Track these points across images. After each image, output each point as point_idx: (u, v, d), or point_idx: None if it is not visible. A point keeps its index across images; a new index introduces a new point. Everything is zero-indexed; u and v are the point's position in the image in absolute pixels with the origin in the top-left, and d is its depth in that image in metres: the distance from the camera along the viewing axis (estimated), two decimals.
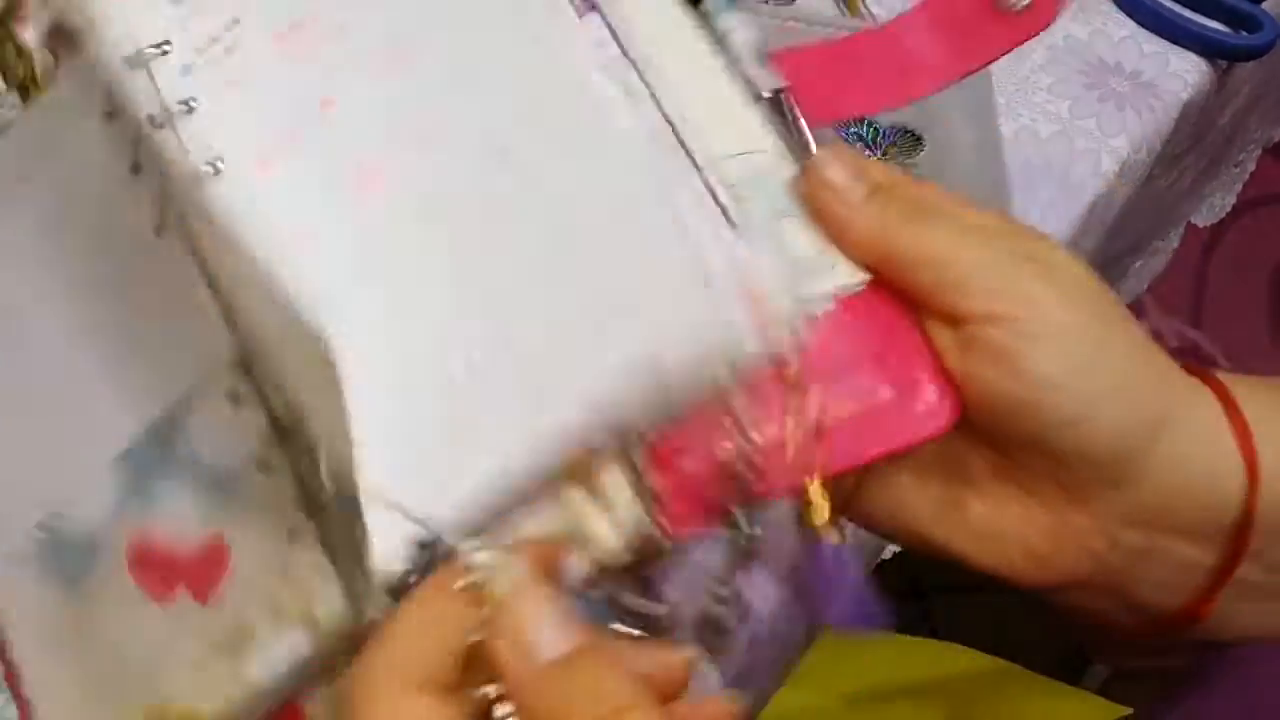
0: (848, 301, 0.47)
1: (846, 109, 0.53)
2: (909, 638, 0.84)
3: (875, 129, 0.78)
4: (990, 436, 0.48)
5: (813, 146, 0.50)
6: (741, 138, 0.49)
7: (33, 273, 0.50)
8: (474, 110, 0.45)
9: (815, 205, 0.48)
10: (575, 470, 0.41)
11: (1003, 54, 0.56)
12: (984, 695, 0.78)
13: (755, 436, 0.43)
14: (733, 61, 0.51)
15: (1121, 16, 0.90)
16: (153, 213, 0.47)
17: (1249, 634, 0.51)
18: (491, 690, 0.37)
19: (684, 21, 0.51)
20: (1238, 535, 0.48)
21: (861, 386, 0.45)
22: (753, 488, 0.43)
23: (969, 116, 0.79)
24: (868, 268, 0.47)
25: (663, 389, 0.42)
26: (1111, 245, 0.92)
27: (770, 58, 0.51)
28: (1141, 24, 0.90)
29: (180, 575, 0.46)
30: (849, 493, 0.50)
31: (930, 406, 0.46)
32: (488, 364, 0.41)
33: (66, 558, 0.48)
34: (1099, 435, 0.46)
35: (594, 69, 0.46)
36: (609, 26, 0.48)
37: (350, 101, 0.44)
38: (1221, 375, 0.50)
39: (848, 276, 0.47)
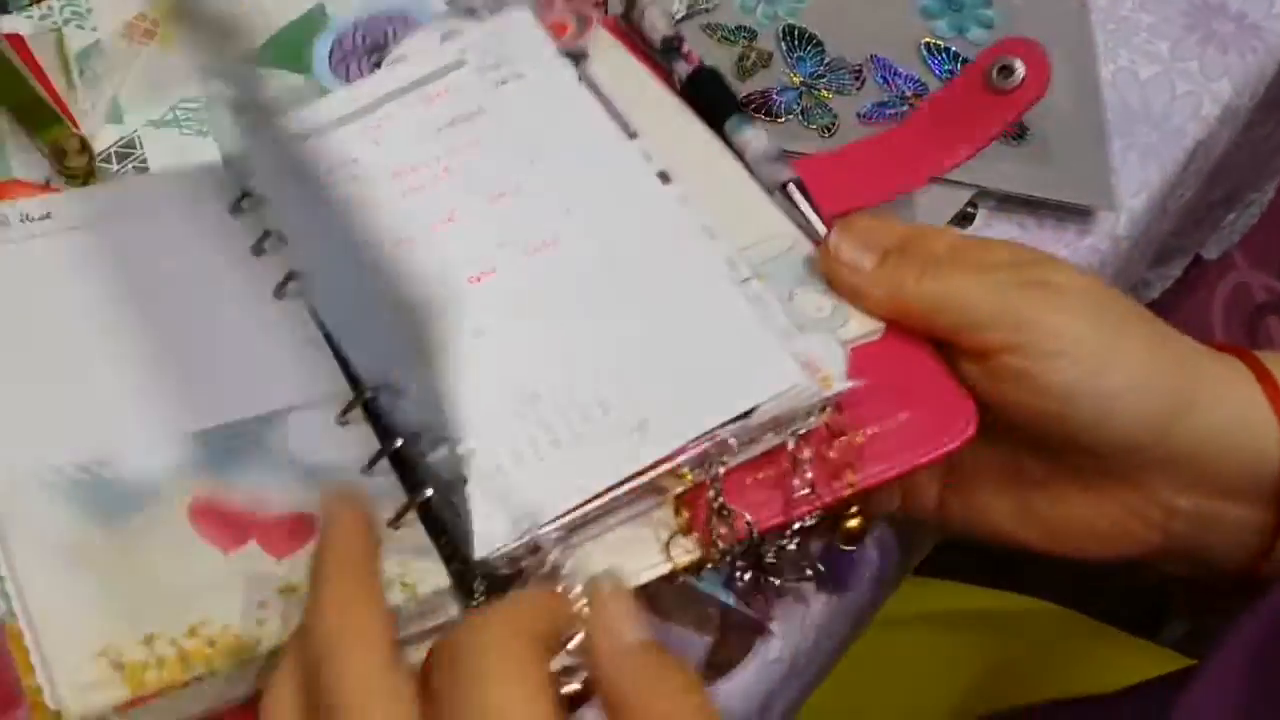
0: (865, 348, 0.55)
1: (856, 202, 0.62)
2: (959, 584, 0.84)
3: (965, 61, 0.76)
4: (1036, 445, 0.55)
5: (819, 226, 0.59)
6: (763, 226, 0.59)
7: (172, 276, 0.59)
8: (573, 223, 0.57)
9: (832, 279, 0.56)
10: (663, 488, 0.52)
11: (1001, 132, 0.63)
12: (1032, 635, 0.80)
13: (805, 461, 0.53)
14: (751, 164, 0.61)
15: None
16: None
17: None
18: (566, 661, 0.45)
19: (710, 140, 0.63)
20: None
21: (884, 413, 0.54)
22: (806, 504, 0.52)
23: (1067, 56, 0.77)
24: (890, 320, 0.55)
25: (745, 432, 0.52)
26: (1208, 194, 0.89)
27: (783, 153, 0.61)
28: None
29: (253, 532, 0.52)
30: (935, 508, 0.59)
31: (948, 422, 0.54)
32: (603, 402, 0.52)
33: (103, 498, 0.52)
34: (1119, 429, 0.53)
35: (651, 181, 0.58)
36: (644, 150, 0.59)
37: (468, 217, 0.57)
38: (1258, 353, 0.56)
39: (859, 329, 0.56)
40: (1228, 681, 0.51)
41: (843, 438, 0.53)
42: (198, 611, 0.50)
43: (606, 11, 0.68)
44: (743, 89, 0.72)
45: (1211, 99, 0.79)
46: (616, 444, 0.51)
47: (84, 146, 0.65)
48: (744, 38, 0.75)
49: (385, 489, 0.53)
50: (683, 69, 0.65)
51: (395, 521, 0.51)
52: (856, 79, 0.74)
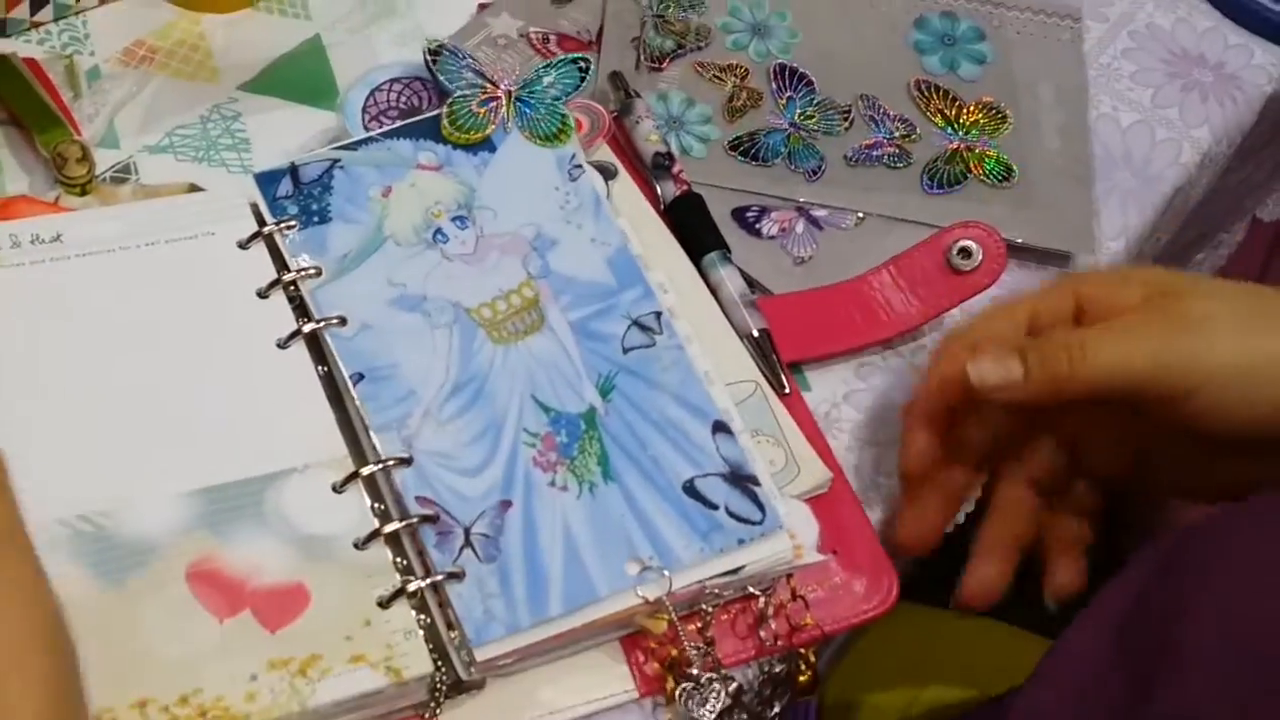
0: (811, 504, 0.63)
1: (820, 348, 0.69)
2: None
3: (960, 105, 0.78)
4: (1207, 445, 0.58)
5: (784, 381, 0.66)
6: (734, 367, 0.66)
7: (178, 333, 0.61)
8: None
9: (999, 402, 0.59)
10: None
11: (956, 306, 0.69)
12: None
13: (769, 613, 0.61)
14: (724, 305, 0.68)
15: (1206, 7, 0.88)
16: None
17: None
18: None
19: (689, 270, 0.69)
20: None
21: (824, 575, 0.62)
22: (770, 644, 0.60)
23: (1060, 98, 0.79)
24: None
25: (729, 585, 0.59)
26: (1182, 235, 0.90)
27: (755, 303, 0.68)
28: (1226, 15, 0.88)
29: (247, 601, 0.55)
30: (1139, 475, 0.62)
31: (868, 592, 0.62)
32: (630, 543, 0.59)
33: (107, 552, 0.55)
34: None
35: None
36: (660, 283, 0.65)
37: None
38: None
39: (808, 484, 0.63)
40: (1086, 650, 0.52)
41: (798, 596, 0.61)
42: (191, 680, 0.53)
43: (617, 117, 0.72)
44: (730, 130, 0.75)
45: (1191, 146, 0.82)
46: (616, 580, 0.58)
47: (85, 155, 0.67)
48: (734, 77, 0.76)
49: (378, 566, 0.57)
50: (670, 190, 0.71)
51: (387, 603, 0.56)
52: (845, 119, 0.76)
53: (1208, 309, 0.56)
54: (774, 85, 0.77)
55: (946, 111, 0.78)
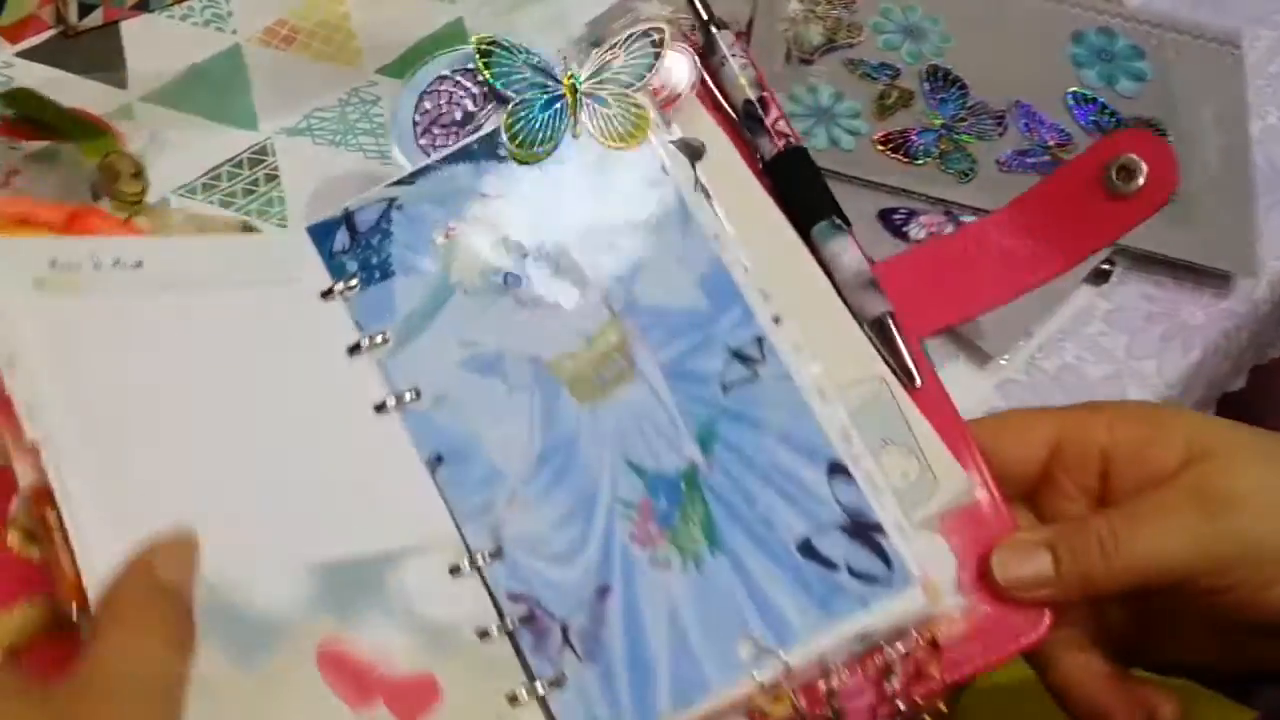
0: (951, 518, 0.57)
1: (948, 316, 0.62)
2: None
3: (1116, 119, 0.77)
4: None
5: (914, 372, 0.59)
6: (853, 364, 0.59)
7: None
8: None
9: (1026, 599, 0.55)
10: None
11: (1113, 241, 0.62)
12: None
13: (897, 662, 0.55)
14: (841, 286, 0.61)
15: None
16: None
17: None
18: None
19: (795, 245, 0.62)
20: None
21: (967, 604, 0.55)
22: (900, 698, 0.55)
23: (1219, 117, 0.79)
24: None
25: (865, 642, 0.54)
26: None
27: (876, 279, 0.60)
28: None
29: (379, 690, 0.53)
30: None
31: (1027, 620, 0.56)
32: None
33: (237, 631, 0.51)
34: None
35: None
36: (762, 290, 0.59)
37: None
38: None
39: (948, 496, 0.57)
40: None
41: (931, 643, 0.55)
42: None
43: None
44: (881, 128, 0.73)
45: None
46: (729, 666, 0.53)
47: (139, 171, 0.63)
48: (886, 75, 0.76)
49: (502, 660, 0.54)
50: (767, 145, 0.63)
51: (513, 700, 0.54)
52: (999, 124, 0.75)
53: (1251, 483, 0.52)
54: (926, 86, 0.76)
55: (1103, 124, 0.76)
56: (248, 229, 0.64)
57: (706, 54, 0.64)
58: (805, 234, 0.62)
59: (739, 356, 0.57)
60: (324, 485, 0.56)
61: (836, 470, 0.55)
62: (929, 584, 0.54)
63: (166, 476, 0.54)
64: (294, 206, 0.71)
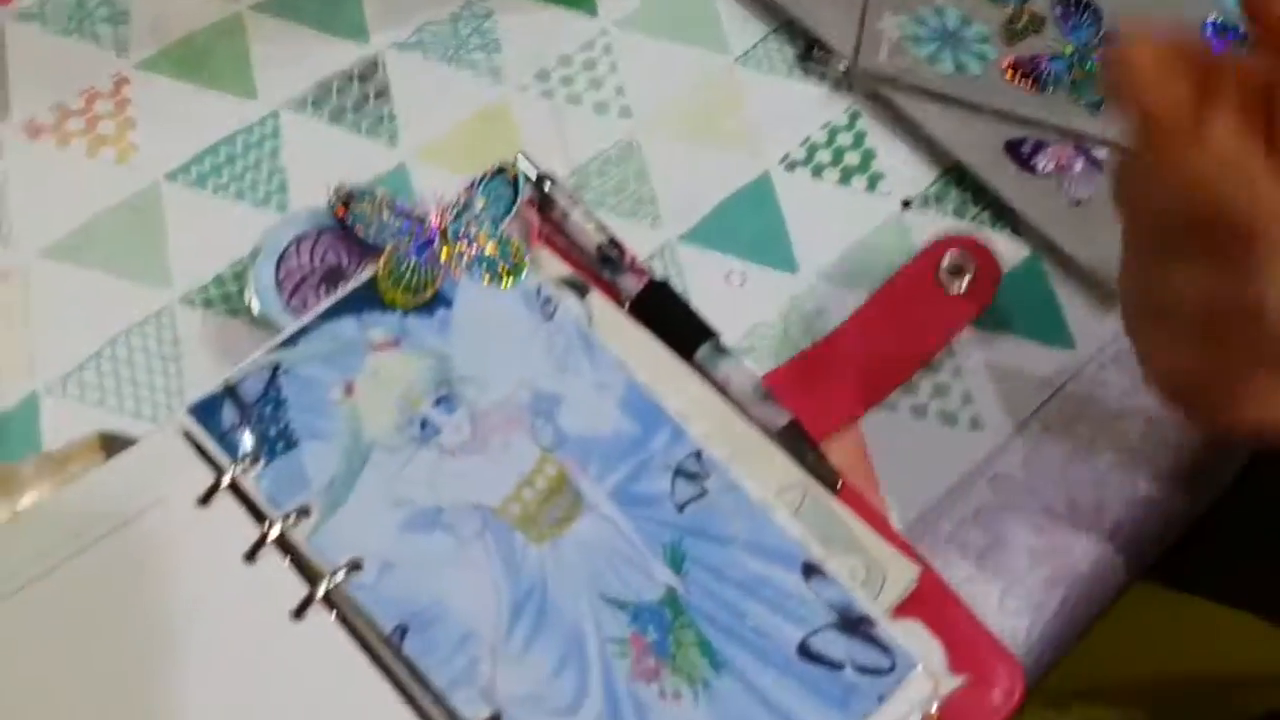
0: (904, 606, 0.56)
1: (840, 414, 0.62)
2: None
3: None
4: None
5: (834, 475, 0.59)
6: (776, 474, 0.58)
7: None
8: None
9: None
10: None
11: (956, 333, 0.63)
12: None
13: None
14: (740, 403, 0.61)
15: None
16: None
17: None
18: None
19: (685, 371, 0.61)
20: None
21: (964, 681, 0.55)
22: None
23: None
24: None
25: None
26: None
27: (771, 393, 0.60)
28: None
29: None
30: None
31: (1001, 691, 0.55)
32: None
33: None
34: None
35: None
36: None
37: None
38: None
39: (902, 584, 0.56)
40: None
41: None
42: None
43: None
44: (1010, 53, 0.69)
45: None
46: None
47: None
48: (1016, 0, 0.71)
49: None
50: (630, 284, 0.62)
51: None
52: None
53: None
54: (1058, 10, 0.71)
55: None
56: (105, 441, 0.55)
57: (544, 210, 0.63)
58: (690, 361, 0.61)
59: (683, 474, 0.56)
60: None
61: (811, 571, 0.54)
62: (929, 668, 0.54)
63: None
64: (404, 123, 0.66)
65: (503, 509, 0.54)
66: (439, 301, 0.57)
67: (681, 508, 0.55)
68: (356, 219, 0.57)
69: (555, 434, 0.55)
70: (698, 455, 0.56)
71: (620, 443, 0.56)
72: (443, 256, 0.58)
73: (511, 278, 0.58)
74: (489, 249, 0.58)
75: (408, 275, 0.57)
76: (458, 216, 0.58)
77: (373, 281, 0.57)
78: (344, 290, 0.57)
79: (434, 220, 0.58)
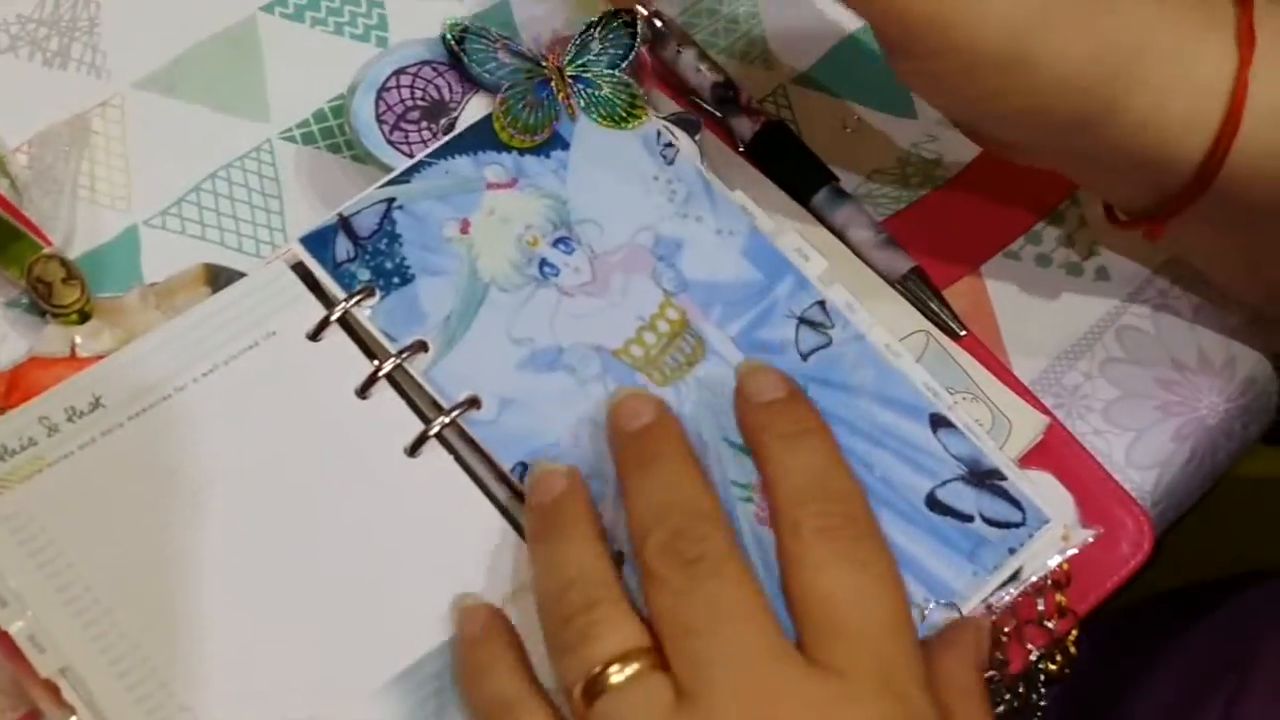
0: (1030, 457, 0.55)
1: (962, 262, 0.60)
2: None
3: None
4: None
5: (956, 322, 0.57)
6: (897, 321, 0.56)
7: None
8: None
9: None
10: None
11: None
12: None
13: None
14: (859, 251, 0.58)
15: None
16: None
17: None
18: None
19: (803, 215, 0.59)
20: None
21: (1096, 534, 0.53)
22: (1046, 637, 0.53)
23: None
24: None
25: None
26: None
27: (893, 237, 0.58)
28: None
29: None
30: None
31: (1123, 541, 0.54)
32: None
33: None
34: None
35: None
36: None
37: None
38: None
39: (1028, 434, 0.55)
40: None
41: (1067, 575, 0.53)
42: None
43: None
44: None
45: None
46: None
47: (70, 271, 0.54)
48: None
49: None
50: (745, 126, 0.60)
51: None
52: None
53: None
54: None
55: None
56: (211, 273, 0.54)
57: (655, 50, 0.61)
58: (807, 207, 0.59)
59: (807, 323, 0.54)
60: (379, 574, 0.49)
61: (939, 423, 0.52)
62: (1060, 521, 0.52)
63: (213, 642, 0.46)
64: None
65: (624, 351, 0.52)
66: (555, 143, 0.55)
67: (806, 356, 0.53)
68: (471, 57, 0.55)
69: (677, 278, 0.53)
70: (822, 304, 0.54)
71: (744, 289, 0.54)
72: (560, 98, 0.55)
73: (632, 121, 0.56)
74: (606, 90, 0.55)
75: (525, 115, 0.55)
76: (574, 58, 0.56)
77: (488, 121, 0.55)
78: (458, 129, 0.55)
79: (552, 60, 0.56)
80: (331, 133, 0.59)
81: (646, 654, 0.43)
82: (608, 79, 0.56)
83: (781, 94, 0.62)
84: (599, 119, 0.56)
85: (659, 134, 0.56)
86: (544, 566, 0.46)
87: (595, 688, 0.42)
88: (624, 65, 0.56)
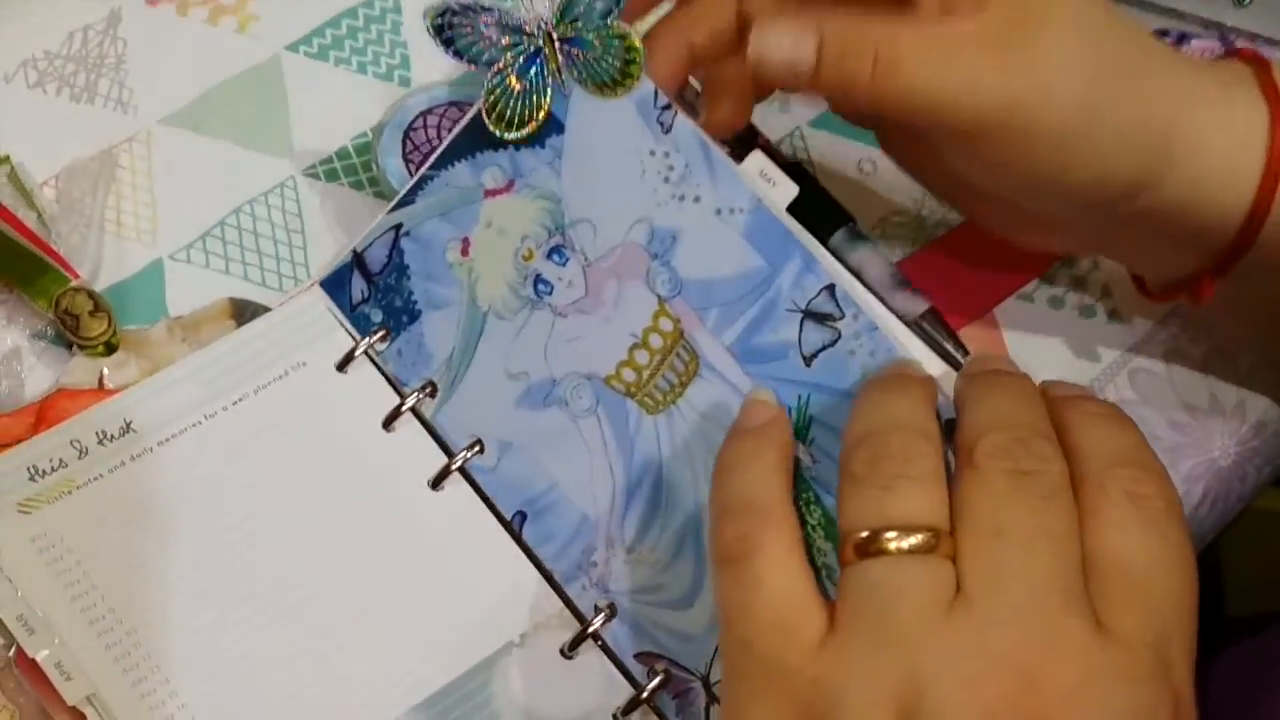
0: None
1: (976, 304, 0.60)
2: None
3: None
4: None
5: (961, 357, 0.56)
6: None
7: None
8: None
9: (764, 79, 0.48)
10: None
11: None
12: None
13: None
14: (877, 291, 0.57)
15: None
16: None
17: None
18: None
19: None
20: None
21: None
22: None
23: None
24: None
25: None
26: None
27: (908, 280, 0.57)
28: None
29: None
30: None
31: None
32: None
33: None
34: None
35: None
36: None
37: None
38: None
39: None
40: None
41: None
42: None
43: None
44: None
45: None
46: None
47: (97, 304, 0.55)
48: None
49: None
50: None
51: None
52: None
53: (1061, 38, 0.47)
54: None
55: None
56: (237, 307, 0.55)
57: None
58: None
59: (813, 317, 0.50)
60: (399, 602, 0.50)
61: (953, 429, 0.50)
62: None
63: (236, 666, 0.48)
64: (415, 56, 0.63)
65: (615, 377, 0.51)
66: (551, 127, 0.52)
67: (810, 360, 0.50)
68: (457, 44, 0.52)
69: (671, 278, 0.51)
70: (830, 290, 0.50)
71: (742, 283, 0.49)
72: (550, 64, 0.52)
73: (622, 85, 0.51)
74: (599, 52, 0.51)
75: (513, 108, 0.52)
76: (564, 14, 0.52)
77: (479, 117, 0.52)
78: (454, 132, 0.53)
79: (536, 26, 0.52)
80: (354, 170, 0.60)
81: (943, 537, 0.38)
82: (600, 31, 0.51)
83: (798, 136, 0.63)
84: (592, 88, 0.51)
85: (655, 95, 0.50)
86: (871, 405, 0.42)
87: (874, 545, 0.38)
88: (618, 9, 0.51)
